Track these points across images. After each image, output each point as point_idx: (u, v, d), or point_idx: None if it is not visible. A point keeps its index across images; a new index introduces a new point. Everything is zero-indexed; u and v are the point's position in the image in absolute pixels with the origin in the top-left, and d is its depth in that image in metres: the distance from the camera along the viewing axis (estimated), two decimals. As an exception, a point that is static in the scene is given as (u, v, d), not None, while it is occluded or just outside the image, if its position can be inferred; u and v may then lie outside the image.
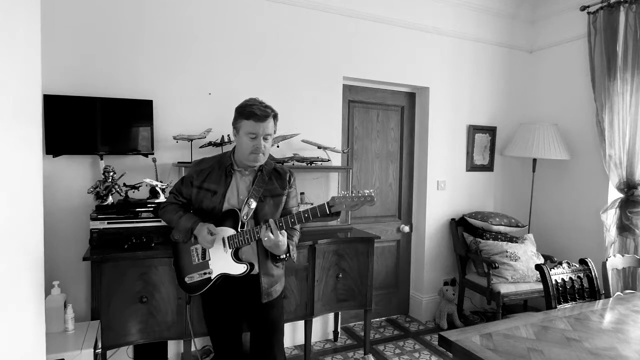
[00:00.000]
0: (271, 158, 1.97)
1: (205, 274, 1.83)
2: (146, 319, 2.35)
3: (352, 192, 1.67)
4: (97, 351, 2.09)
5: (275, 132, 1.82)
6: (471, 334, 1.61)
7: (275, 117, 1.79)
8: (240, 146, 1.77)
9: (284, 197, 1.87)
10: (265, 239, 1.68)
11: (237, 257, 1.79)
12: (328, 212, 1.66)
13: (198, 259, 1.85)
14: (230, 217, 1.78)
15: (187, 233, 1.79)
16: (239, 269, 1.78)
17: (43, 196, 1.81)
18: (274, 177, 1.86)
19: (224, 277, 1.81)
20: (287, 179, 1.88)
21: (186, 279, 1.88)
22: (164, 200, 1.96)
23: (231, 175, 1.82)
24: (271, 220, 1.69)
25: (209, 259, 1.83)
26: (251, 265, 1.79)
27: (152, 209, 2.49)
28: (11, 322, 1.28)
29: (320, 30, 3.19)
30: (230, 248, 1.78)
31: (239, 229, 1.76)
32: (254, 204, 1.78)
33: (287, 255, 1.80)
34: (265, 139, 1.75)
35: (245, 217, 1.77)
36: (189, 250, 1.88)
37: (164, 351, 2.75)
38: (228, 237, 1.78)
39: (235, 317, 1.90)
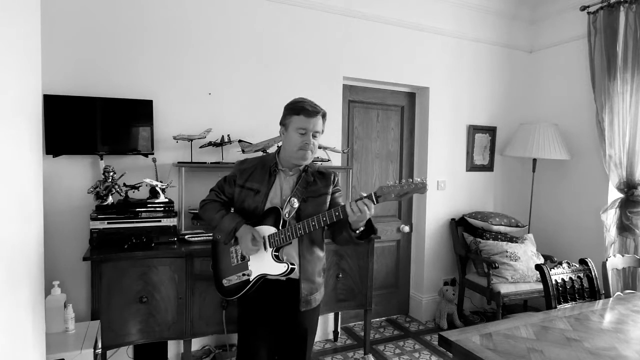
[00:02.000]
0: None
1: (244, 275, 1.77)
2: (146, 319, 2.35)
3: (401, 180, 1.58)
4: (97, 351, 2.09)
5: (323, 131, 1.78)
6: (471, 334, 1.61)
7: (324, 116, 1.76)
8: (288, 143, 1.74)
9: (328, 197, 1.83)
10: (359, 213, 1.55)
11: (277, 258, 1.73)
12: (375, 202, 1.59)
13: (237, 260, 1.80)
14: (272, 215, 1.74)
15: (230, 234, 1.74)
16: (279, 268, 1.72)
17: (43, 196, 1.81)
18: (318, 179, 1.83)
19: (263, 282, 1.76)
20: (332, 179, 1.85)
21: (224, 282, 1.83)
22: (205, 197, 1.91)
23: (275, 174, 1.80)
24: (363, 194, 1.60)
25: (248, 260, 1.78)
26: (292, 265, 1.73)
27: (152, 209, 2.50)
28: (11, 322, 1.28)
29: (320, 30, 3.19)
30: (271, 247, 1.73)
31: (280, 227, 1.72)
32: (296, 204, 1.74)
33: (370, 229, 1.68)
34: (314, 136, 1.73)
35: (287, 215, 1.73)
36: (227, 251, 1.83)
37: (164, 351, 2.75)
38: (269, 236, 1.72)
39: (270, 324, 1.82)
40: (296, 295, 1.75)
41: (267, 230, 1.73)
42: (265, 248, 1.73)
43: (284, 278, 1.75)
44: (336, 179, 1.88)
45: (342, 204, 1.83)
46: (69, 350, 1.97)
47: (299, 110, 1.70)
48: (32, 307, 1.52)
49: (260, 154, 2.70)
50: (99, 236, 2.38)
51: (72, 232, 2.55)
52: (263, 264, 1.74)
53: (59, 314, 2.13)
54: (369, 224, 1.67)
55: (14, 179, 1.34)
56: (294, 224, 1.70)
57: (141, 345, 2.65)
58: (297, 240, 1.75)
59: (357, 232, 1.66)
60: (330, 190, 1.84)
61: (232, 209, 1.86)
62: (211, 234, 2.57)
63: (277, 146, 2.76)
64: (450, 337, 1.58)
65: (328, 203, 1.83)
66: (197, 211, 2.65)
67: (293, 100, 1.78)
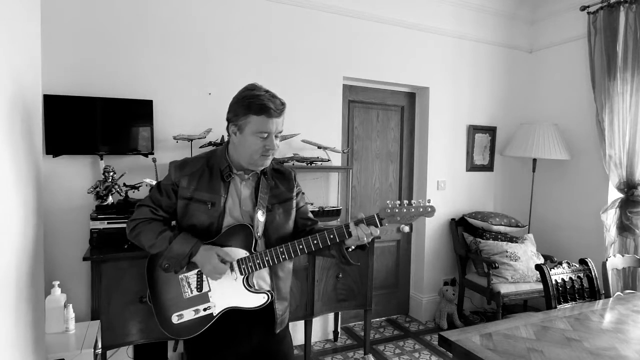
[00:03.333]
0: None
1: (204, 310, 1.42)
2: (146, 319, 2.35)
3: (405, 202, 1.41)
4: (97, 351, 2.09)
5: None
6: (471, 334, 1.61)
7: (285, 107, 1.41)
8: (243, 147, 1.39)
9: (294, 202, 1.55)
10: (360, 234, 1.37)
11: (248, 285, 1.43)
12: (379, 225, 1.40)
13: (191, 291, 1.43)
14: (239, 234, 1.42)
15: (184, 260, 1.38)
16: (255, 300, 1.41)
17: (43, 196, 1.81)
18: (278, 179, 1.53)
19: (229, 311, 1.43)
20: (293, 178, 1.57)
21: (173, 319, 1.43)
22: (134, 216, 1.48)
23: (229, 180, 1.45)
24: (362, 216, 1.42)
25: (209, 290, 1.43)
26: (270, 294, 1.44)
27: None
28: (11, 321, 1.28)
29: (320, 30, 3.19)
30: (242, 274, 1.41)
31: (253, 250, 1.42)
32: (262, 217, 1.44)
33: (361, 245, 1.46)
34: (276, 136, 1.41)
35: (258, 234, 1.43)
36: (175, 280, 1.44)
37: (164, 351, 2.75)
38: (239, 260, 1.41)
39: (237, 357, 1.48)
40: (270, 318, 1.47)
41: (235, 253, 1.41)
42: (235, 276, 1.42)
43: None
44: (296, 177, 1.59)
45: (307, 207, 1.62)
46: (69, 350, 1.97)
47: (259, 109, 1.33)
48: (32, 307, 1.52)
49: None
50: (99, 236, 2.37)
51: (72, 232, 2.55)
52: (231, 295, 1.42)
53: (59, 314, 2.13)
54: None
55: (13, 179, 1.34)
56: (274, 247, 1.41)
57: (141, 345, 2.65)
58: None
59: (349, 250, 1.46)
60: (295, 192, 1.56)
61: (175, 225, 1.51)
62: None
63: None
64: (450, 337, 1.58)
65: (295, 208, 1.56)
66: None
67: (246, 93, 1.38)
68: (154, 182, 2.52)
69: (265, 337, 1.49)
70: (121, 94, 2.62)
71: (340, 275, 2.85)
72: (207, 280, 1.44)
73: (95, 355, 2.05)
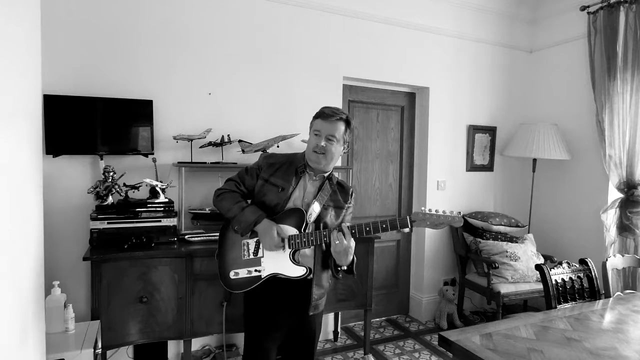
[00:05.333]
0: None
1: (255, 271, 1.75)
2: (146, 319, 2.35)
3: (436, 210, 1.63)
4: (97, 351, 2.09)
5: (346, 140, 1.78)
6: (471, 334, 1.61)
7: (345, 122, 1.75)
8: (307, 145, 1.79)
9: (344, 211, 1.85)
10: (337, 242, 1.63)
11: (294, 259, 1.73)
12: (410, 228, 1.62)
13: (249, 254, 1.77)
14: (295, 216, 1.73)
15: (249, 226, 1.71)
16: (296, 271, 1.72)
17: (43, 196, 1.81)
18: (338, 190, 1.85)
19: (274, 279, 1.74)
20: (350, 194, 1.87)
21: (231, 274, 1.79)
22: (222, 186, 1.85)
23: (301, 176, 1.80)
24: (344, 225, 1.67)
25: (262, 256, 1.75)
26: (309, 270, 1.73)
27: (152, 209, 2.49)
28: (11, 321, 1.28)
29: (320, 30, 3.19)
30: (290, 248, 1.72)
31: (302, 230, 1.71)
32: (318, 209, 1.75)
33: (350, 267, 1.74)
34: (329, 140, 1.72)
35: (310, 219, 1.74)
36: (238, 244, 1.80)
37: (164, 351, 2.75)
38: (290, 237, 1.71)
39: (278, 323, 1.79)
40: (306, 299, 1.75)
41: (288, 230, 1.72)
42: (284, 248, 1.72)
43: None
44: (353, 195, 1.90)
45: (349, 221, 1.89)
46: (69, 350, 1.97)
47: (319, 114, 1.76)
48: (32, 307, 1.52)
49: (259, 153, 2.70)
50: (99, 236, 2.37)
51: (72, 232, 2.55)
52: (278, 264, 1.73)
53: (59, 314, 2.13)
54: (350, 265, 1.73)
55: (14, 179, 1.34)
56: (318, 230, 1.70)
57: (141, 345, 2.65)
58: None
59: (339, 268, 1.73)
60: (347, 205, 1.85)
61: (250, 201, 1.83)
62: (211, 234, 2.58)
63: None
64: (450, 337, 1.58)
65: (342, 217, 1.84)
66: (197, 211, 2.66)
67: (320, 109, 1.82)
68: (154, 182, 2.52)
69: (300, 314, 1.78)
70: (121, 94, 2.62)
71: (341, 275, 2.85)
72: (262, 249, 1.76)
73: (95, 355, 2.05)
